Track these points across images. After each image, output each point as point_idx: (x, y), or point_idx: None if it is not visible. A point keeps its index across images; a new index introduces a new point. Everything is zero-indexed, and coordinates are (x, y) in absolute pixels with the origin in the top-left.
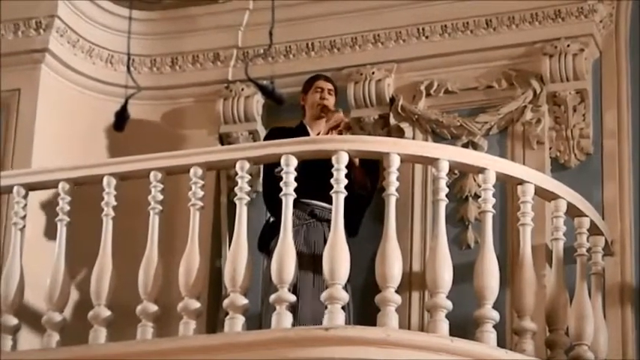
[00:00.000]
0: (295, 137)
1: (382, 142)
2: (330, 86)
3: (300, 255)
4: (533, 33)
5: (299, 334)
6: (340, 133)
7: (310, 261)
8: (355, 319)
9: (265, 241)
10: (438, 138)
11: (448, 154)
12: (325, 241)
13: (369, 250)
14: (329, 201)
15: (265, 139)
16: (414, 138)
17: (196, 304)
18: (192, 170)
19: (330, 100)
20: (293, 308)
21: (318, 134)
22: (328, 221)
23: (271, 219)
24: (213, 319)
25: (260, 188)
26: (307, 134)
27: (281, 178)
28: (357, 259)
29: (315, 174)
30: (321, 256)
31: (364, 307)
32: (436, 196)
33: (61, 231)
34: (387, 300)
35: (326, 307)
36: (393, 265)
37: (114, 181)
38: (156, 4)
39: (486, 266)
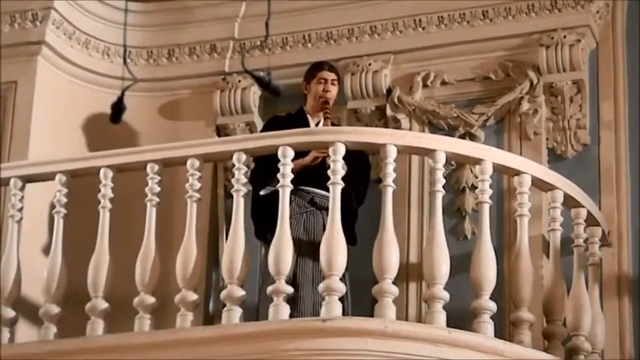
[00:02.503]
0: (294, 124)
1: (379, 134)
2: (333, 76)
3: (299, 243)
4: (529, 24)
5: (296, 325)
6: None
7: (310, 249)
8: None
9: (263, 228)
10: (435, 129)
11: (445, 145)
12: (324, 230)
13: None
14: (329, 189)
15: (264, 128)
16: (410, 129)
17: (193, 296)
18: (189, 162)
19: (333, 92)
20: (293, 297)
21: (318, 125)
22: (328, 209)
23: (261, 192)
24: (208, 310)
25: None
26: (307, 122)
27: (266, 198)
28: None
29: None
30: (320, 245)
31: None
32: (433, 187)
33: (59, 223)
34: (384, 291)
35: (323, 299)
36: (390, 256)
37: (111, 173)
38: None
39: (483, 257)
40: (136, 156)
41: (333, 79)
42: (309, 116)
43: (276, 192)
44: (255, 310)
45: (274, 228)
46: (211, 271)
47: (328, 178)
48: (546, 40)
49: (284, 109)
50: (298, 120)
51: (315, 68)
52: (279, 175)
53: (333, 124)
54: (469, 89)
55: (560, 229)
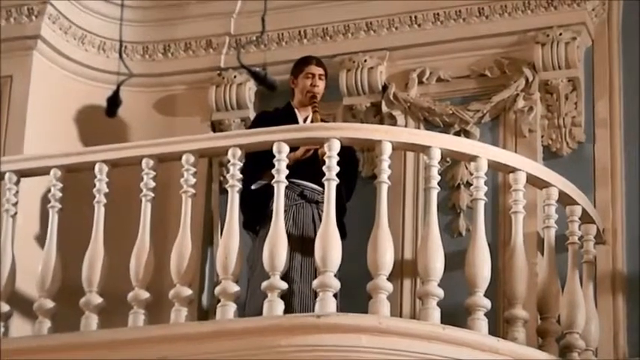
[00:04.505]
0: (282, 119)
1: (374, 130)
2: (321, 71)
3: (289, 237)
4: (525, 21)
5: (291, 321)
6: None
7: (299, 243)
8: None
9: (252, 219)
10: (430, 126)
11: (440, 142)
12: (314, 223)
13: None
14: (319, 182)
15: (253, 123)
16: (406, 126)
17: (188, 291)
18: (184, 157)
19: (321, 86)
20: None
21: (306, 119)
22: (317, 203)
23: (252, 187)
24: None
25: None
26: (294, 116)
27: (259, 192)
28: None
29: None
30: (309, 238)
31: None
32: (428, 184)
33: (53, 218)
34: (378, 287)
35: (315, 294)
36: (384, 252)
37: (106, 168)
38: None
39: (478, 254)
40: (131, 151)
41: (320, 74)
42: (296, 111)
43: (266, 185)
44: (244, 304)
45: (263, 220)
46: (205, 267)
47: (319, 171)
48: (542, 37)
49: (279, 105)
50: (286, 115)
51: (303, 63)
52: (273, 171)
53: (322, 120)
54: (465, 86)
55: (555, 227)
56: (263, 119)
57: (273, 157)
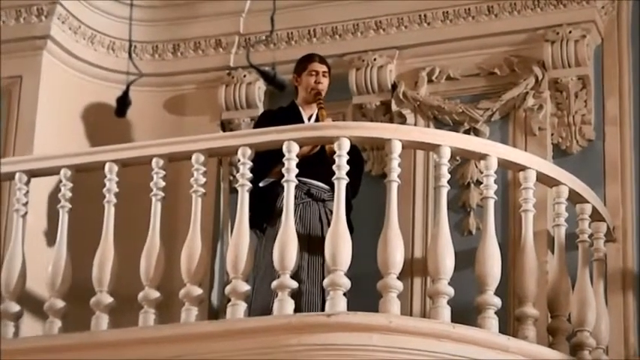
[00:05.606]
0: (287, 117)
1: (384, 129)
2: (324, 68)
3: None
4: (534, 19)
5: (301, 320)
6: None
7: (306, 241)
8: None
9: (259, 217)
10: (440, 124)
11: (450, 140)
12: (320, 221)
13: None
14: (325, 181)
15: (257, 122)
16: (415, 124)
17: (198, 291)
18: (194, 157)
19: (324, 83)
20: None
21: (310, 117)
22: (324, 201)
23: (260, 184)
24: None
25: None
26: (299, 114)
27: (266, 190)
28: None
29: (313, 153)
30: (316, 237)
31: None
32: (438, 183)
33: (63, 218)
34: (388, 286)
35: (323, 293)
36: (394, 251)
37: (116, 168)
38: None
39: (488, 252)
40: (141, 150)
41: (324, 71)
42: (301, 109)
43: (273, 182)
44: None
45: (270, 217)
46: (214, 266)
47: (325, 169)
48: (551, 35)
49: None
50: (291, 113)
51: (306, 60)
52: (283, 170)
53: (328, 116)
54: (474, 84)
55: (565, 225)
56: (267, 118)
57: (280, 154)
